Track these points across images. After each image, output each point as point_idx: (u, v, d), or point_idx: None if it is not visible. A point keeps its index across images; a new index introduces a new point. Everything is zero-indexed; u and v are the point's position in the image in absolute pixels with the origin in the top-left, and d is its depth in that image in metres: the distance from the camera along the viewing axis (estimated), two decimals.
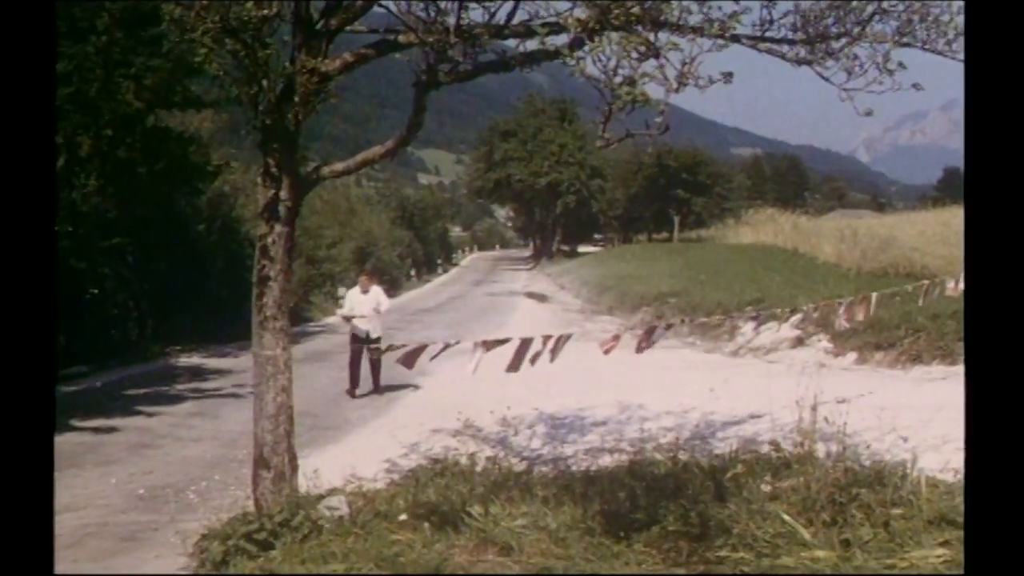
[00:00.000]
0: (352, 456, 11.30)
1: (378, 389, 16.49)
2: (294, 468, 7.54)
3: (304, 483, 7.89)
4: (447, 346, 7.65)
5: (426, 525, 6.94)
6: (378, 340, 16.10)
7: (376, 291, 17.10)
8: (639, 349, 7.92)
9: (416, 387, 16.53)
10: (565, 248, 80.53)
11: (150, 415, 14.90)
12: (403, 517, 6.98)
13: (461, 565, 6.35)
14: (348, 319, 17.01)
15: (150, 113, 23.77)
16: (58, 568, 7.79)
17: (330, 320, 32.93)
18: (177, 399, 16.73)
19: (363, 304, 16.81)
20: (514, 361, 7.60)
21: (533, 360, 7.49)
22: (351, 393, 16.38)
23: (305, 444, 11.31)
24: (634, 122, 6.54)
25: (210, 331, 25.19)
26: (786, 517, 6.21)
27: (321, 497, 7.75)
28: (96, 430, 13.73)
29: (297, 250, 8.73)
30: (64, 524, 8.99)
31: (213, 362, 22.07)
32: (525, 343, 7.50)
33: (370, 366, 16.48)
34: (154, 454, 12.13)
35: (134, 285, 25.13)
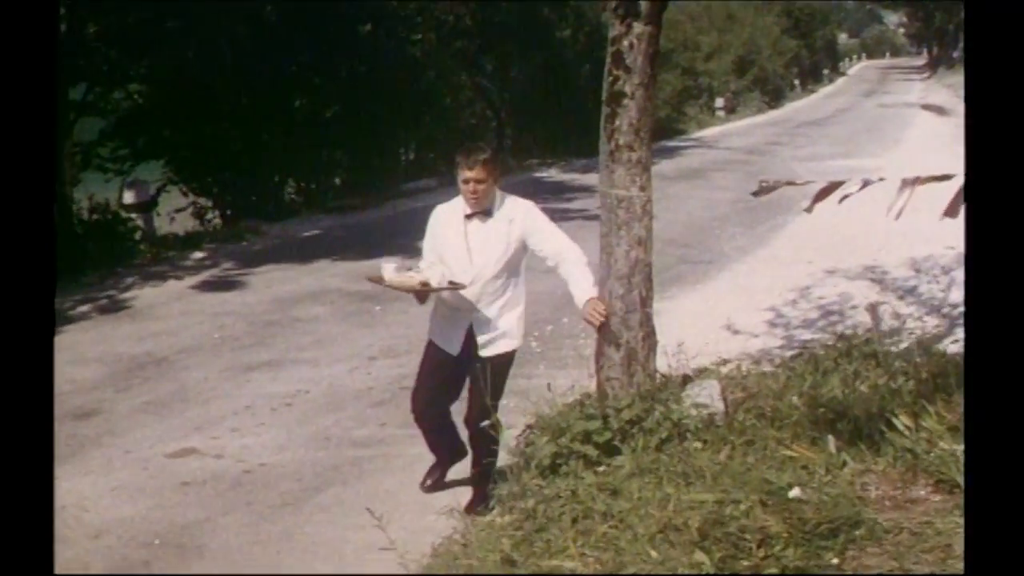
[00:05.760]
0: (725, 300, 9.83)
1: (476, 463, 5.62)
2: (651, 346, 5.54)
3: (664, 361, 5.99)
4: (866, 183, 5.40)
5: (830, 438, 4.96)
6: (511, 357, 5.76)
7: (518, 207, 5.55)
8: None
9: None
10: None
11: None
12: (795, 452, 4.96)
13: (883, 500, 4.44)
14: (420, 294, 5.32)
15: None
16: (367, 432, 6.66)
17: (703, 133, 30.98)
18: None
19: (467, 252, 5.48)
20: (953, 205, 5.35)
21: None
22: (428, 482, 5.77)
23: (670, 281, 10.03)
24: None
25: (572, 144, 23.76)
26: None
27: (687, 381, 5.89)
28: None
29: (670, 61, 6.68)
30: (379, 375, 7.98)
31: (574, 178, 20.57)
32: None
33: (469, 411, 5.50)
34: None
35: (491, 94, 24.62)
